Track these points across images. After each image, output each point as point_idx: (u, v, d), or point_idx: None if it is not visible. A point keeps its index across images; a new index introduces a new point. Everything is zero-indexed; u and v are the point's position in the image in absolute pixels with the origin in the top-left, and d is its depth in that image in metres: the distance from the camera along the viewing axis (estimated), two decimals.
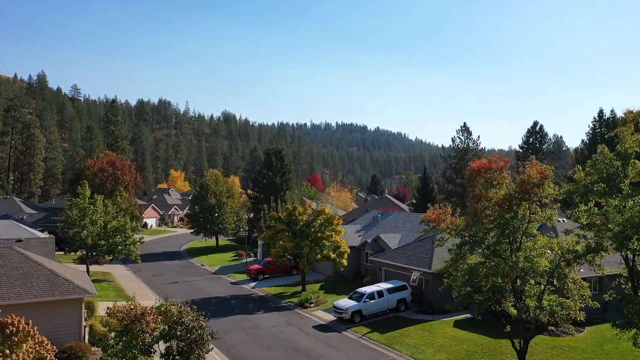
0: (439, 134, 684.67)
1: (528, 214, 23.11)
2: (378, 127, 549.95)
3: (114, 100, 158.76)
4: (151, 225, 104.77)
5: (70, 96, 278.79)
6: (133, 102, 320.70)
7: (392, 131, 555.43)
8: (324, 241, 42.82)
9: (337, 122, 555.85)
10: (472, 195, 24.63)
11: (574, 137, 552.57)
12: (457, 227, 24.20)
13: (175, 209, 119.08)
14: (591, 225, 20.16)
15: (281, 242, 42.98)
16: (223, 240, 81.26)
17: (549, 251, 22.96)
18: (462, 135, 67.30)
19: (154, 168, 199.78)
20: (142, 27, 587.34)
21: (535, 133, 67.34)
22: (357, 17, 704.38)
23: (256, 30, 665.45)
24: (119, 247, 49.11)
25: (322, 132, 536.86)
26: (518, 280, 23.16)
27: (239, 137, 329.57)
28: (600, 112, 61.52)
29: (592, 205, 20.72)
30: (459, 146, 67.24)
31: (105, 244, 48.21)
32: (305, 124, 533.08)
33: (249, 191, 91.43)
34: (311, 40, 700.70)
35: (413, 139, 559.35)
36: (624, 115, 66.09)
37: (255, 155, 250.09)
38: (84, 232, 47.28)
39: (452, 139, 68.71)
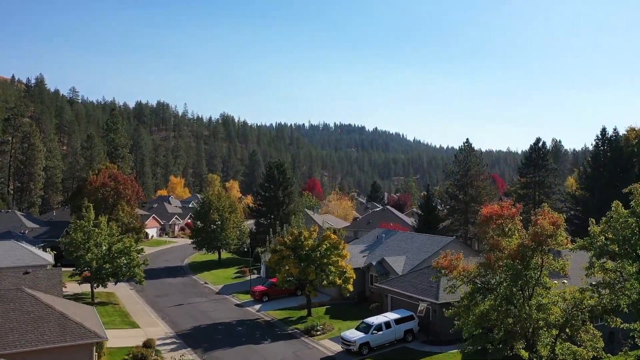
0: (438, 135, 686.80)
1: (541, 263, 23.14)
2: (376, 128, 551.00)
3: (113, 109, 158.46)
4: (152, 236, 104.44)
5: (68, 98, 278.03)
6: (131, 104, 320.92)
7: (391, 132, 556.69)
8: (329, 267, 42.87)
9: (335, 123, 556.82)
10: (485, 243, 24.65)
11: (574, 138, 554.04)
12: (470, 275, 24.22)
13: (176, 218, 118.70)
14: (606, 284, 20.22)
15: (287, 268, 43.05)
16: (225, 254, 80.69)
17: (561, 300, 23.00)
18: (465, 152, 67.43)
19: (153, 174, 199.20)
20: (141, 29, 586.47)
21: (538, 150, 67.58)
22: (356, 18, 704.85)
23: (253, 31, 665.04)
24: (124, 269, 48.97)
25: (321, 132, 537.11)
26: (530, 329, 23.19)
27: (237, 139, 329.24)
28: (603, 130, 61.79)
29: (607, 261, 20.76)
30: (462, 162, 67.47)
31: (110, 267, 48.07)
32: (303, 124, 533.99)
33: (250, 201, 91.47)
34: (310, 41, 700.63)
35: (411, 140, 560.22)
36: (626, 133, 66.39)
37: (255, 159, 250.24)
38: (89, 254, 47.23)
39: (455, 155, 68.85)
